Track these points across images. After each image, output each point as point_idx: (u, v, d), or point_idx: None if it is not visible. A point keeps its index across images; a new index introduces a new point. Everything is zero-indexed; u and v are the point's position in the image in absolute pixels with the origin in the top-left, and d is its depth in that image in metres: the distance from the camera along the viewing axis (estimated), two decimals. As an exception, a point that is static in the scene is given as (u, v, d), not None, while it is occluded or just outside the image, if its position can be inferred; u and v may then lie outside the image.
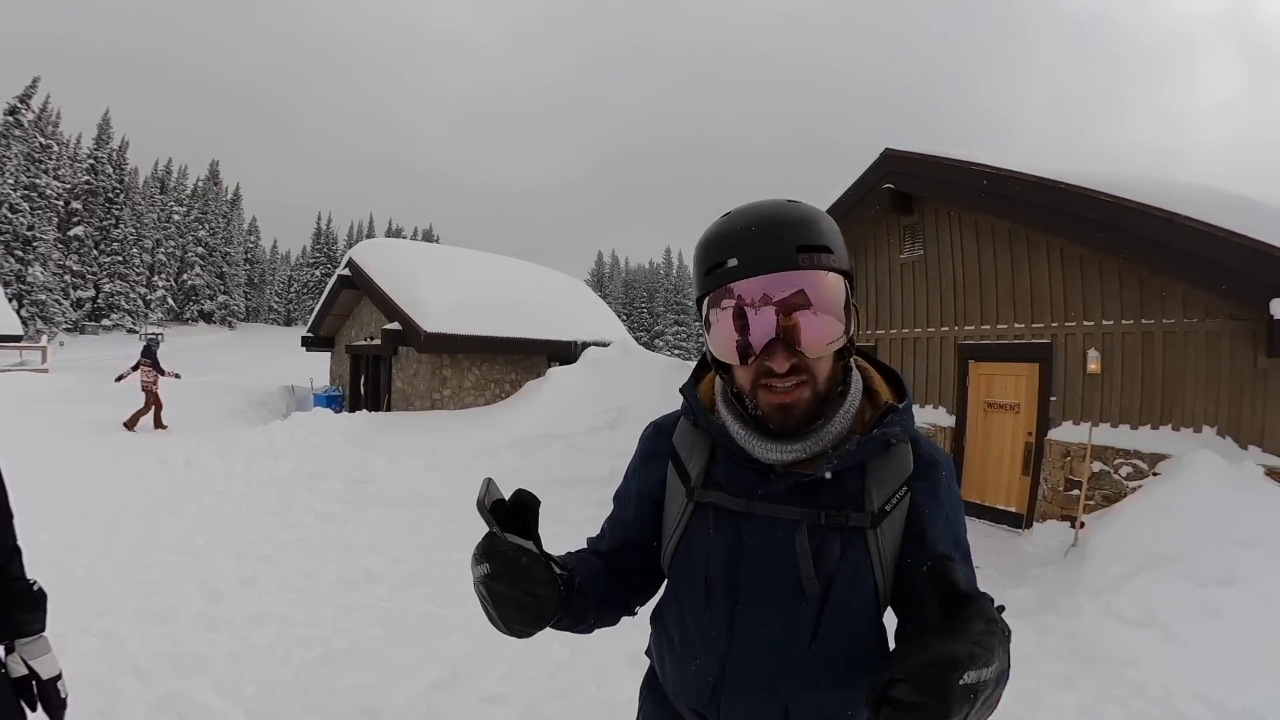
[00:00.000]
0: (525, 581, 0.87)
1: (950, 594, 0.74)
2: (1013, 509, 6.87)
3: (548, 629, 0.97)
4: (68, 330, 39.64)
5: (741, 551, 1.03)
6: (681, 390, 1.16)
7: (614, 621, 1.17)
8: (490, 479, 0.94)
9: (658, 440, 1.22)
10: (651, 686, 1.25)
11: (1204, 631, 3.64)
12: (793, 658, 1.01)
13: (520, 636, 0.92)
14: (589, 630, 1.12)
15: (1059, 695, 3.29)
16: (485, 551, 0.88)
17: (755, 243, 0.93)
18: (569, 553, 1.18)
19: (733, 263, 0.93)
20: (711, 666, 1.06)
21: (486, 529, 0.89)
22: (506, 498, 0.93)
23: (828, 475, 0.98)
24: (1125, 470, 5.78)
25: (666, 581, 1.18)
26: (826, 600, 1.00)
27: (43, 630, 1.47)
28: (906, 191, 7.87)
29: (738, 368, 0.98)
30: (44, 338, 25.24)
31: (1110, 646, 3.67)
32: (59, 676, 1.43)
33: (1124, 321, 6.00)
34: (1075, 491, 6.03)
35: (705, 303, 0.99)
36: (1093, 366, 6.14)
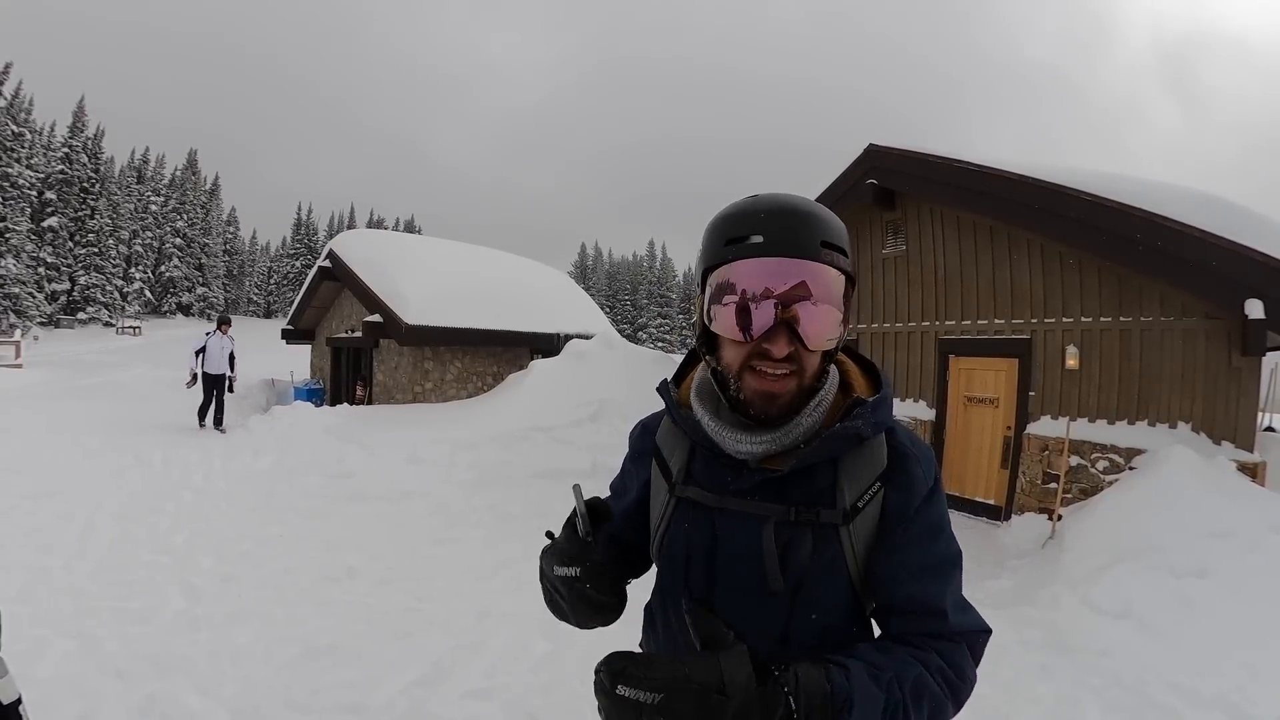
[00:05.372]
0: (607, 591, 1.01)
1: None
2: (991, 501, 6.96)
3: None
4: (42, 324, 38.87)
5: (715, 547, 1.04)
6: (659, 390, 1.16)
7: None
8: (578, 485, 1.07)
9: (644, 440, 1.24)
10: None
11: (1178, 622, 3.72)
12: (765, 653, 0.98)
13: (585, 629, 1.07)
14: None
15: (1037, 685, 3.35)
16: (574, 558, 1.01)
17: (784, 226, 0.93)
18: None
19: (757, 239, 0.93)
20: None
21: (569, 529, 1.05)
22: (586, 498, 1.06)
23: (788, 471, 0.98)
24: (1102, 464, 5.88)
25: (656, 574, 1.20)
26: (798, 597, 0.99)
27: None
28: (889, 187, 7.92)
29: (729, 345, 0.98)
30: (17, 332, 24.75)
31: (1086, 637, 3.74)
32: (19, 701, 1.29)
33: (1102, 318, 6.09)
34: (1053, 485, 6.13)
35: (714, 274, 0.97)
36: (1071, 362, 6.23)
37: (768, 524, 0.99)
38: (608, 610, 1.03)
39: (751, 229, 0.94)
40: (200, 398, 10.78)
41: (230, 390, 10.99)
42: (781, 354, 0.93)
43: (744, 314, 0.93)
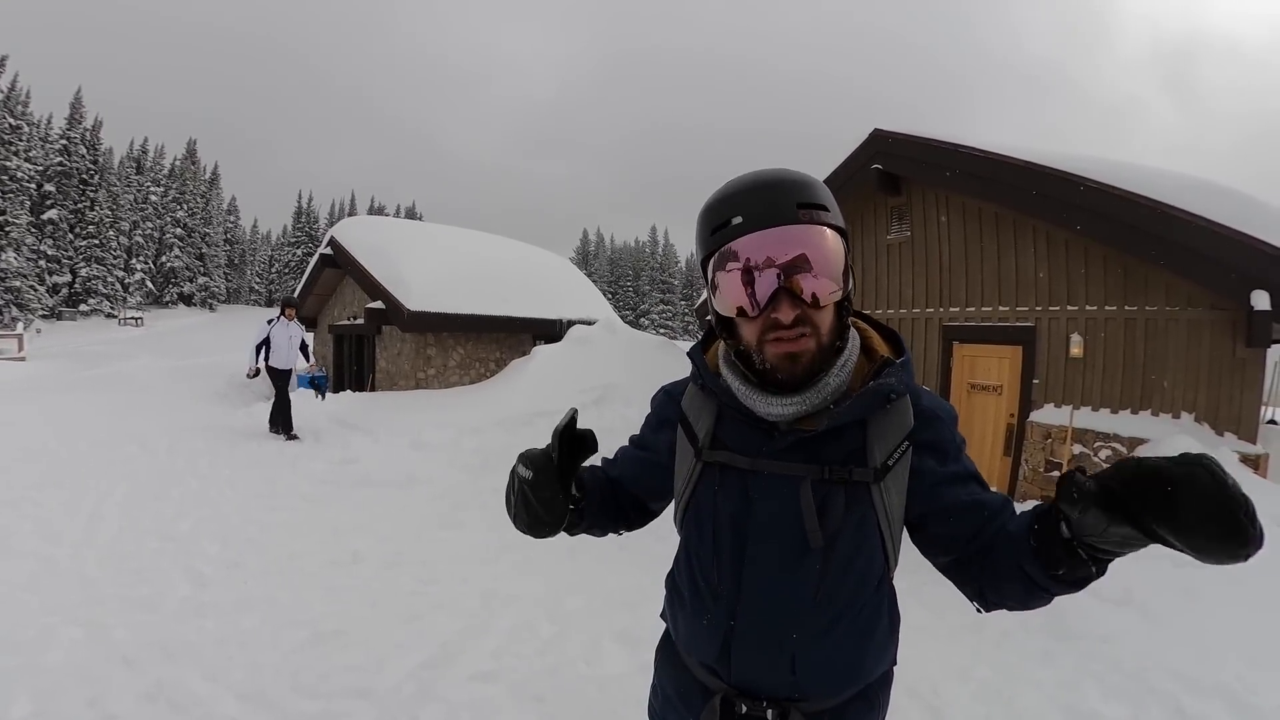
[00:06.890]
0: (548, 505, 1.08)
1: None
2: (994, 489, 6.95)
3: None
4: (44, 317, 38.93)
5: (749, 508, 1.07)
6: (689, 354, 1.20)
7: (600, 535, 1.35)
8: (575, 409, 1.14)
9: (668, 407, 1.28)
10: (665, 648, 1.30)
11: (1178, 610, 3.74)
12: (798, 610, 1.04)
13: (522, 533, 1.14)
14: (577, 534, 1.30)
15: (1038, 670, 3.36)
16: (535, 463, 1.08)
17: (757, 201, 0.98)
18: (593, 465, 1.35)
19: (737, 220, 0.98)
20: (721, 620, 1.09)
21: (549, 442, 1.11)
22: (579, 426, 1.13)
23: (823, 429, 1.02)
24: (1105, 453, 5.87)
25: (679, 541, 1.23)
26: (830, 554, 1.03)
27: None
28: (894, 172, 7.87)
29: (744, 324, 1.03)
30: (19, 325, 24.81)
31: (1088, 623, 3.75)
32: None
33: (1107, 307, 6.06)
34: (1055, 473, 6.13)
35: (711, 264, 1.03)
36: (1075, 350, 6.21)
37: (805, 483, 1.03)
38: (542, 524, 1.10)
39: (731, 212, 0.99)
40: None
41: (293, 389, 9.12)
42: (788, 319, 0.97)
43: (745, 289, 0.98)
